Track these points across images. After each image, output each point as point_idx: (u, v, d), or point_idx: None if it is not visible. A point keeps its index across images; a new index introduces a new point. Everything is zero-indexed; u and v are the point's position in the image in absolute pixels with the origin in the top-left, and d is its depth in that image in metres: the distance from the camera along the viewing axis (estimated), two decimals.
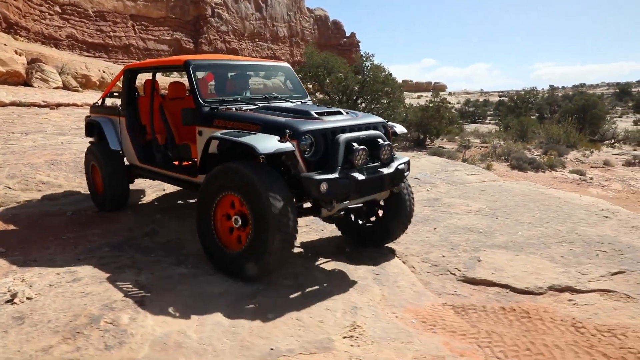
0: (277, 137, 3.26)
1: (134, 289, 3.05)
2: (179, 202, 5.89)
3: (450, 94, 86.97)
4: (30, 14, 39.16)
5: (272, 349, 2.51)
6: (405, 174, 3.90)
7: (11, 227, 4.61)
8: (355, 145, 3.49)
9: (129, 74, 5.13)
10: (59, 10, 42.42)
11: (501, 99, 54.63)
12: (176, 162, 4.69)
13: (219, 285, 3.27)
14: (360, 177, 3.43)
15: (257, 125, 3.52)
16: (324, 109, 3.89)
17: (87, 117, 5.77)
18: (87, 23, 45.28)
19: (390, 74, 17.76)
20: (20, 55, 25.37)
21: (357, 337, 2.74)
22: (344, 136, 3.49)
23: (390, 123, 4.23)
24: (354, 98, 17.97)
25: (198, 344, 2.47)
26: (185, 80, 4.84)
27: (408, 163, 3.98)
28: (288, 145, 3.23)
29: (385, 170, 3.68)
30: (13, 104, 18.45)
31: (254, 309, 2.97)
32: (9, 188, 5.74)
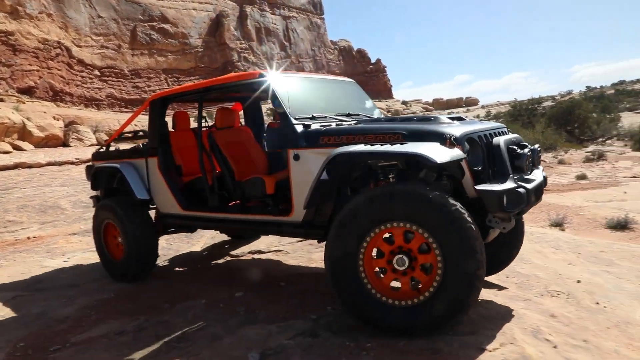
0: (438, 144, 2.69)
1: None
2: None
3: (482, 107, 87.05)
4: (73, 80, 43.99)
5: None
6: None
7: None
8: (518, 149, 3.03)
9: (159, 105, 4.37)
10: (98, 74, 47.51)
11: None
12: (231, 204, 4.10)
13: None
14: (530, 186, 2.87)
15: (396, 134, 2.85)
16: (447, 116, 3.29)
17: (88, 167, 5.09)
18: (124, 82, 50.37)
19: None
20: (57, 120, 29.41)
21: None
22: (502, 139, 2.99)
23: None
24: None
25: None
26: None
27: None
28: (459, 153, 2.66)
29: (538, 179, 3.12)
30: (49, 163, 21.26)
31: None
32: None
